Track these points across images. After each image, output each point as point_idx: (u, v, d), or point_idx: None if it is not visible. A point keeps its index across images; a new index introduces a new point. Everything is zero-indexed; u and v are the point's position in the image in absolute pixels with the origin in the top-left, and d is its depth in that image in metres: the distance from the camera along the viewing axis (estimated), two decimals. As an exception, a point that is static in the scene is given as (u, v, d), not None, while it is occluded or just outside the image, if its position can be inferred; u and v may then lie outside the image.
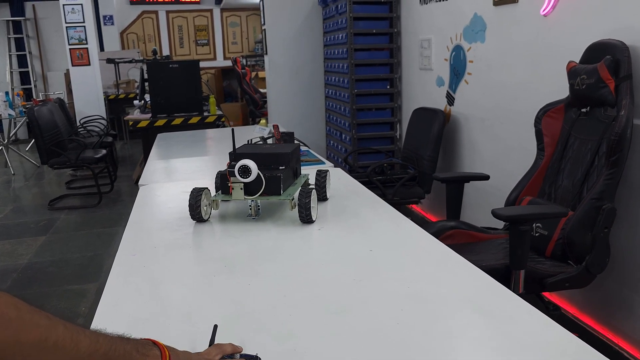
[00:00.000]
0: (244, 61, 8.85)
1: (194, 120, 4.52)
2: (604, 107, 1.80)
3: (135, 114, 4.99)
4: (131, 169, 6.10)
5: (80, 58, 6.22)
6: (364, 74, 3.78)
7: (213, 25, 9.75)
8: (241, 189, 1.36)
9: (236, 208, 1.58)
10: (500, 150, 2.65)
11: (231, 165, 1.38)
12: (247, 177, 1.34)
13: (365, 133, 3.84)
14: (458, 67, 2.99)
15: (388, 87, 3.84)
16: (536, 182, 2.03)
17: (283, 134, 2.85)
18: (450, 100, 3.11)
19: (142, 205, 1.77)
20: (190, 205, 1.39)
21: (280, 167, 1.45)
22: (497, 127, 2.67)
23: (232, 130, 1.49)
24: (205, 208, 1.43)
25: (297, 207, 1.39)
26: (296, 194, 1.44)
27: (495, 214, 1.62)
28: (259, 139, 2.82)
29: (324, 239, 1.34)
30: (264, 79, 8.37)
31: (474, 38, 2.80)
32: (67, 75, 7.52)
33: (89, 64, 6.24)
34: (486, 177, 2.20)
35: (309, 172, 1.70)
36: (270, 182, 1.38)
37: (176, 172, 2.25)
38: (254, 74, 8.23)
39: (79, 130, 5.66)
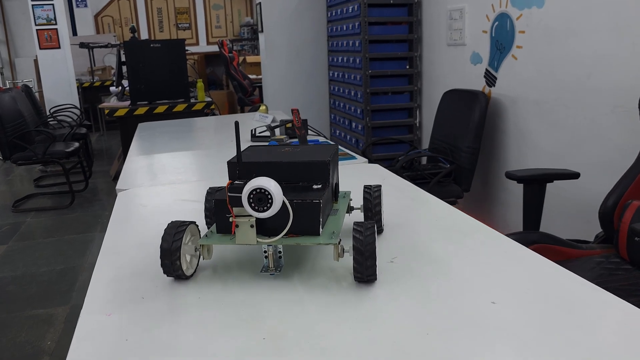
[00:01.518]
0: (231, 45, 8.26)
1: (180, 107, 3.97)
2: None
3: (112, 102, 4.42)
4: (108, 163, 5.51)
5: (48, 40, 5.59)
6: (378, 52, 3.26)
7: (195, 7, 9.11)
8: (252, 226, 0.79)
9: (241, 253, 0.94)
10: (565, 141, 2.16)
11: (234, 187, 0.79)
12: (265, 209, 0.75)
13: (379, 121, 3.33)
14: (502, 39, 2.49)
15: (407, 67, 3.33)
16: (645, 182, 1.54)
17: (283, 123, 2.33)
18: (491, 80, 2.61)
19: (120, 221, 1.24)
20: (163, 253, 0.80)
21: (316, 186, 0.87)
22: (561, 112, 2.18)
23: (237, 125, 0.82)
24: (188, 259, 0.85)
25: (345, 254, 0.86)
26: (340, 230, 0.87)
27: None
28: (265, 129, 2.31)
29: (403, 315, 0.73)
30: (252, 64, 7.83)
31: (526, 3, 2.30)
32: (36, 61, 6.87)
33: (59, 47, 5.62)
34: (576, 175, 1.71)
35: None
36: (301, 213, 0.81)
37: (163, 172, 1.72)
38: (241, 58, 7.65)
39: (49, 120, 5.05)
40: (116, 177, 4.86)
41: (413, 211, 1.22)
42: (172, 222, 0.84)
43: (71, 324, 2.23)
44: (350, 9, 3.35)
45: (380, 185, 1.04)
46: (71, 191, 4.11)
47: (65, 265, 2.89)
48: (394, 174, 1.56)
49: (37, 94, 5.38)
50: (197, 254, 0.88)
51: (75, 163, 4.58)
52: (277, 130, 2.31)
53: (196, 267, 0.89)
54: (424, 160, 2.83)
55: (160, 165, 1.81)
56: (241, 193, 0.76)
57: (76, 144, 4.30)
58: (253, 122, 2.73)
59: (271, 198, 0.75)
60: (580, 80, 2.05)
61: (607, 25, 1.92)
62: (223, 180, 1.65)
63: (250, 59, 7.87)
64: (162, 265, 0.81)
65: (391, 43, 3.28)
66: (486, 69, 2.64)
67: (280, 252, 0.88)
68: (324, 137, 2.34)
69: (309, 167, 0.89)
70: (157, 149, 2.12)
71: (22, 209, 4.02)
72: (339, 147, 2.07)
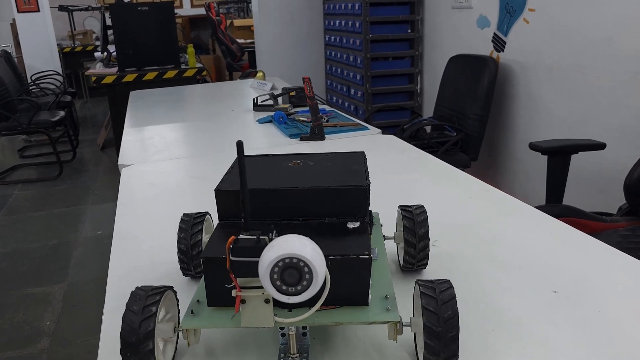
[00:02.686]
0: (218, 7, 7.98)
1: (170, 74, 3.82)
2: None
3: (98, 68, 4.24)
4: (94, 132, 5.35)
5: (27, 3, 5.32)
6: (378, 15, 3.13)
7: (178, -32, 8.76)
8: (267, 301, 0.52)
9: (240, 329, 0.64)
10: (582, 109, 2.09)
11: (241, 248, 0.50)
12: (298, 291, 0.48)
13: (380, 87, 3.23)
14: (513, 2, 2.38)
15: (409, 31, 3.21)
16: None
17: (300, 90, 2.23)
18: (499, 45, 2.51)
19: (129, 204, 1.15)
20: (125, 345, 0.52)
21: (352, 225, 0.62)
22: (577, 79, 2.10)
23: (240, 147, 0.51)
24: (161, 346, 0.57)
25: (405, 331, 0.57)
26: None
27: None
28: (267, 97, 2.20)
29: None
30: (240, 27, 7.60)
31: (541, -37, 2.19)
32: (13, 25, 6.56)
33: (38, 10, 5.36)
34: (602, 146, 1.65)
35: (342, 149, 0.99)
36: (341, 274, 0.54)
37: (164, 146, 1.62)
38: (228, 22, 7.40)
39: (31, 88, 4.85)
40: (104, 147, 4.72)
41: (445, 189, 1.15)
42: (137, 289, 0.55)
43: (69, 302, 2.15)
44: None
45: (422, 206, 0.74)
46: (59, 162, 3.97)
47: (58, 240, 2.80)
48: (414, 147, 1.49)
49: (15, 60, 5.14)
50: (175, 338, 0.59)
51: (62, 132, 4.42)
52: (279, 99, 2.21)
53: (173, 354, 0.59)
54: (428, 128, 2.75)
55: (161, 138, 1.71)
56: (253, 258, 0.49)
57: (62, 113, 4.13)
58: (250, 89, 2.62)
59: (310, 272, 0.47)
60: (600, 45, 1.96)
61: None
62: (228, 156, 1.55)
63: (238, 22, 7.63)
64: (123, 358, 0.53)
65: (392, 6, 3.15)
66: (494, 34, 2.54)
67: (306, 328, 0.59)
68: (326, 103, 2.24)
69: (341, 197, 0.62)
70: (154, 120, 2.01)
71: (8, 181, 3.88)
72: (345, 114, 1.97)
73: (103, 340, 0.64)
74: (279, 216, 0.64)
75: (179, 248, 0.73)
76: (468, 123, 2.44)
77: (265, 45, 4.01)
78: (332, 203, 0.63)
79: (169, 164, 1.42)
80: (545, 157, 1.59)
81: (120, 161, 1.48)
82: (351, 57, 3.36)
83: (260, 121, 1.92)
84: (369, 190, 0.64)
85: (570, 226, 0.93)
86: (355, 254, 0.55)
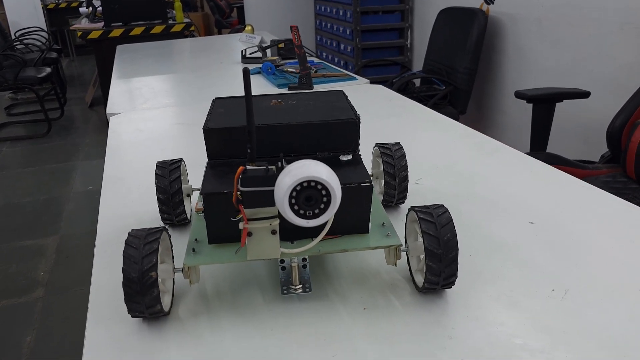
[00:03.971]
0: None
1: (157, 29, 3.76)
2: None
3: (83, 24, 4.16)
4: (81, 90, 5.29)
5: (8, -44, 5.16)
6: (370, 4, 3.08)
7: None
8: (274, 232, 0.53)
9: (234, 266, 0.66)
10: (569, 60, 2.10)
11: (251, 177, 0.50)
12: (317, 214, 0.49)
13: (370, 42, 3.20)
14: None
15: (401, 20, 3.17)
16: (657, 100, 1.51)
17: (288, 42, 2.21)
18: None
19: (117, 148, 1.17)
20: (129, 285, 0.52)
21: (345, 158, 0.63)
22: (564, 30, 2.10)
23: (246, 74, 0.49)
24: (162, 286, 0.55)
25: (408, 256, 0.62)
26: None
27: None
28: (256, 49, 2.19)
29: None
30: (227, -17, 7.41)
31: None
32: (-6, -21, 6.37)
33: (20, -36, 5.21)
34: (586, 94, 1.66)
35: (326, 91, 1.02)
36: (344, 203, 0.53)
37: (152, 95, 1.62)
38: (216, -23, 7.22)
39: (15, 44, 4.76)
40: (92, 104, 4.68)
41: (429, 133, 1.17)
42: (133, 230, 0.55)
43: (63, 254, 2.18)
44: None
45: (399, 143, 0.76)
46: (47, 119, 3.94)
47: (49, 195, 2.81)
48: (401, 95, 1.50)
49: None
50: (171, 284, 0.59)
51: (49, 89, 4.37)
52: (268, 51, 2.20)
53: (172, 297, 0.59)
54: (417, 82, 2.75)
55: (149, 89, 1.71)
56: (264, 187, 0.49)
57: (48, 69, 4.08)
58: (239, 43, 2.60)
59: (327, 194, 0.48)
60: (588, -5, 1.96)
61: None
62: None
63: (225, -23, 7.44)
64: (127, 302, 0.53)
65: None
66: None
67: (306, 260, 0.62)
68: (316, 56, 2.23)
69: (333, 130, 0.63)
70: (142, 72, 2.00)
71: (-4, 139, 3.85)
72: (332, 65, 1.97)
73: (95, 278, 0.67)
74: (270, 153, 0.65)
75: (158, 198, 0.72)
76: (457, 76, 2.44)
77: (254, 0, 3.94)
78: (324, 137, 0.64)
79: (157, 112, 1.43)
80: (530, 110, 1.61)
81: (109, 110, 1.49)
82: (341, 11, 3.32)
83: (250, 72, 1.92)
84: (359, 123, 0.65)
85: (549, 165, 0.96)
86: (357, 182, 0.57)
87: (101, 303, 0.62)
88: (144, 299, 0.54)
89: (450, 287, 0.59)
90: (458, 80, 2.43)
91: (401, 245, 0.59)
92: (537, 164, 0.97)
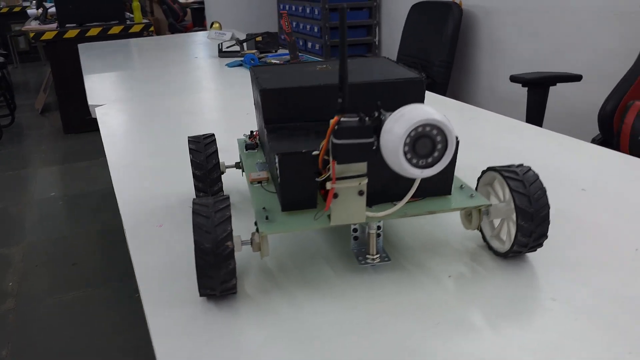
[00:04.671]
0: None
1: (115, 30, 3.61)
2: None
3: (33, 26, 3.95)
4: (29, 97, 5.02)
5: (-55, -44, 4.86)
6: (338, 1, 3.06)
7: None
8: (361, 193, 0.48)
9: (292, 237, 0.63)
10: (547, 51, 2.13)
11: (351, 127, 0.44)
12: (431, 163, 0.44)
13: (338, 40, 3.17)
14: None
15: (369, 17, 3.16)
16: (644, 82, 1.54)
17: (266, 36, 2.16)
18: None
19: (115, 136, 1.08)
20: (203, 257, 0.47)
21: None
22: (541, 19, 2.13)
23: (342, 12, 0.45)
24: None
25: (490, 221, 0.58)
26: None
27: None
28: (233, 43, 2.11)
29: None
30: (180, -13, 7.25)
31: None
32: None
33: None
34: (578, 78, 1.68)
35: None
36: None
37: (137, 86, 1.52)
38: (168, -19, 7.05)
39: (-43, 49, 4.47)
40: (44, 110, 4.44)
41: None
42: (197, 199, 0.49)
43: (32, 263, 2.03)
44: None
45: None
46: (-3, 126, 3.71)
47: (8, 203, 2.62)
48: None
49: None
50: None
51: (-4, 95, 4.12)
52: (244, 45, 2.13)
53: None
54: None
55: (128, 82, 1.61)
56: (361, 139, 0.44)
57: (-4, 74, 3.84)
58: (208, 40, 2.52)
59: (443, 140, 0.43)
60: (564, -15, 2.00)
61: None
62: (203, 96, 1.48)
63: (177, -19, 7.27)
64: (200, 278, 0.48)
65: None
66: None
67: (380, 229, 0.56)
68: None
69: (399, 90, 0.59)
70: (114, 67, 1.89)
71: (-59, 148, 3.59)
72: (311, 57, 1.93)
73: (137, 265, 0.60)
74: (331, 115, 0.60)
75: (194, 175, 0.67)
76: (433, 70, 2.45)
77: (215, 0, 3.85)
78: (390, 98, 0.59)
79: (144, 102, 1.34)
80: (508, 102, 1.61)
81: (91, 102, 1.39)
82: (307, 9, 3.28)
83: (230, 65, 1.85)
84: (425, 83, 0.61)
85: (554, 132, 0.95)
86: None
87: (153, 288, 0.54)
88: (219, 272, 0.47)
89: (536, 250, 0.56)
90: (434, 74, 2.43)
91: (490, 205, 0.55)
92: (560, 137, 0.95)
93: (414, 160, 0.43)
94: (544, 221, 0.53)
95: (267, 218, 0.51)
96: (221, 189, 0.69)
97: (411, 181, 0.51)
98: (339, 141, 0.45)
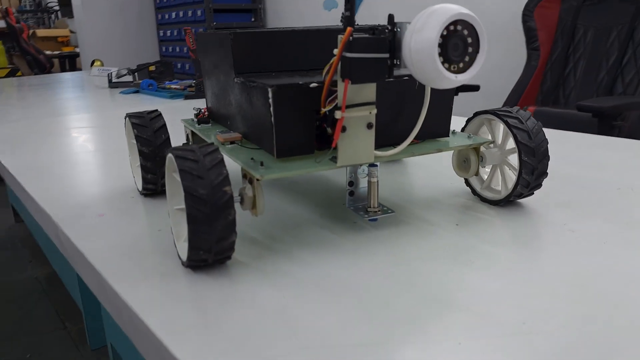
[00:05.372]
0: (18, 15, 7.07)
1: (-24, 75, 3.27)
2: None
3: None
4: None
5: None
6: (221, 2, 3.05)
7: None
8: (370, 125, 0.42)
9: (284, 186, 0.62)
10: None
11: (360, 42, 0.39)
12: (467, 65, 0.39)
13: None
14: (360, -19, 2.50)
15: (252, 19, 3.18)
16: (533, 89, 1.67)
17: (159, 65, 2.05)
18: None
19: (14, 155, 0.92)
20: (201, 212, 0.37)
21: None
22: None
23: None
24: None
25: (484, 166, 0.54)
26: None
27: (582, 106, 1.19)
28: (125, 73, 1.98)
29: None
30: (44, 38, 6.82)
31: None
32: None
33: None
34: (476, 88, 1.77)
35: None
36: (432, 105, 0.49)
37: (29, 112, 1.33)
38: (30, 32, 6.59)
39: None
40: None
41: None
42: (176, 147, 0.41)
43: None
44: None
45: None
46: None
47: None
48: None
49: None
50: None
51: None
52: (136, 75, 2.02)
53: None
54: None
55: (22, 123, 1.43)
56: (377, 53, 0.39)
57: None
58: (92, 77, 2.35)
59: (475, 40, 0.39)
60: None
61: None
62: (113, 125, 1.34)
63: (41, 32, 6.84)
64: (192, 237, 0.38)
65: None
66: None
67: (376, 177, 0.51)
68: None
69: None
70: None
71: None
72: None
73: (88, 252, 0.48)
74: (310, 64, 0.54)
75: (141, 153, 0.56)
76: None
77: (90, 40, 3.64)
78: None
79: (38, 122, 1.18)
80: None
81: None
82: (190, 12, 3.16)
83: (125, 92, 1.72)
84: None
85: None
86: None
87: (116, 268, 0.44)
88: (217, 225, 0.38)
89: (533, 193, 0.53)
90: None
91: (492, 141, 0.52)
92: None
93: (445, 65, 0.38)
94: (545, 157, 0.51)
95: (262, 164, 0.44)
96: (173, 170, 0.59)
97: (411, 121, 0.49)
98: (353, 55, 0.39)
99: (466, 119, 0.56)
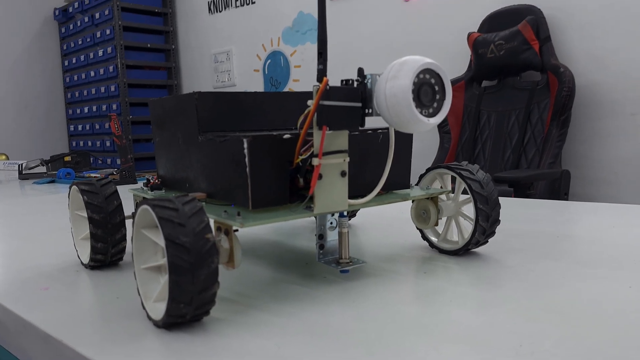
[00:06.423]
0: None
1: None
2: (518, 76, 1.68)
3: None
4: None
5: None
6: (136, 96, 3.05)
7: None
8: (344, 173, 0.44)
9: (250, 265, 0.55)
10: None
11: (336, 91, 0.41)
12: (432, 113, 0.41)
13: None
14: (277, 75, 2.62)
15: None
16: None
17: (75, 155, 1.99)
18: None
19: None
20: (174, 253, 0.36)
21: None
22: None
23: None
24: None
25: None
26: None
27: (500, 177, 1.28)
28: (37, 163, 1.89)
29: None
30: None
31: (300, 39, 2.49)
32: None
33: None
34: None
35: None
36: (394, 157, 0.52)
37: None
38: None
39: None
40: None
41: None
42: (149, 199, 0.39)
43: None
44: (100, 52, 3.08)
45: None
46: None
47: None
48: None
49: None
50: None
51: None
52: (50, 166, 1.93)
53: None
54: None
55: None
56: (350, 102, 0.42)
57: None
58: (-2, 171, 2.22)
59: (441, 88, 0.42)
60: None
61: (385, 49, 2.21)
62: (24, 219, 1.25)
63: None
64: (173, 289, 0.36)
65: (151, 88, 3.13)
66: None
67: (347, 225, 0.52)
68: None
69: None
70: None
71: None
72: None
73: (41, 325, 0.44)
74: (270, 124, 0.56)
75: (91, 220, 0.53)
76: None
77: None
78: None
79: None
80: None
81: None
82: (100, 52, 3.08)
83: (39, 183, 1.64)
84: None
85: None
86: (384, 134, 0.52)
87: (81, 334, 0.40)
88: (200, 274, 0.37)
89: (487, 242, 0.56)
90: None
91: (451, 191, 0.55)
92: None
93: (419, 109, 0.41)
94: (497, 204, 0.54)
95: (239, 214, 0.43)
96: (124, 239, 0.56)
97: (374, 173, 0.51)
98: (330, 103, 0.41)
99: (419, 175, 0.59)
